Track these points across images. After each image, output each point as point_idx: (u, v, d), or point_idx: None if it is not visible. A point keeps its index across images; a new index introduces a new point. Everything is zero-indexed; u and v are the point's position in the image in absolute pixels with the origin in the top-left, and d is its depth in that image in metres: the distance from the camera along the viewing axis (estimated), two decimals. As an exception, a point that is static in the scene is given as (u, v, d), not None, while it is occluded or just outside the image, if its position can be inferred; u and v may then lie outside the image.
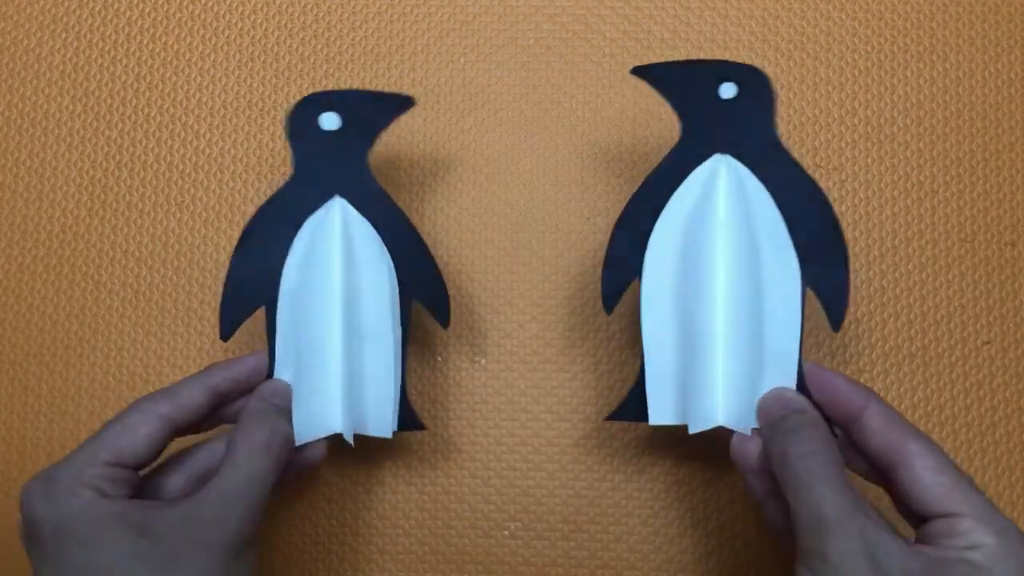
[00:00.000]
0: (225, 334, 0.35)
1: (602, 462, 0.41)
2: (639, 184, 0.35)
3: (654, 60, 0.44)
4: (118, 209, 0.43)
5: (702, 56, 0.44)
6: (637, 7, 0.45)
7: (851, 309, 0.42)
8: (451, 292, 0.42)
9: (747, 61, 0.44)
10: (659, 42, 0.44)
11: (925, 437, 0.30)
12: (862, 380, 0.41)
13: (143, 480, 0.32)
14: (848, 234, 0.42)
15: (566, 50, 0.45)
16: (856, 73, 0.44)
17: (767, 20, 0.45)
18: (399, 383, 0.35)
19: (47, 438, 0.41)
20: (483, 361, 0.42)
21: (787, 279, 0.34)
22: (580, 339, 0.42)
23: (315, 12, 0.45)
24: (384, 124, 0.36)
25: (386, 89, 0.44)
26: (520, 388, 0.41)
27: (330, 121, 0.35)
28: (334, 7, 0.45)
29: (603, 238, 0.42)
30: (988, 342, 0.42)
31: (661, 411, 0.35)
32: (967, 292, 0.42)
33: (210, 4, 0.45)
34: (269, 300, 0.35)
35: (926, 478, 0.29)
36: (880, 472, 0.31)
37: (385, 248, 0.35)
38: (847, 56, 0.44)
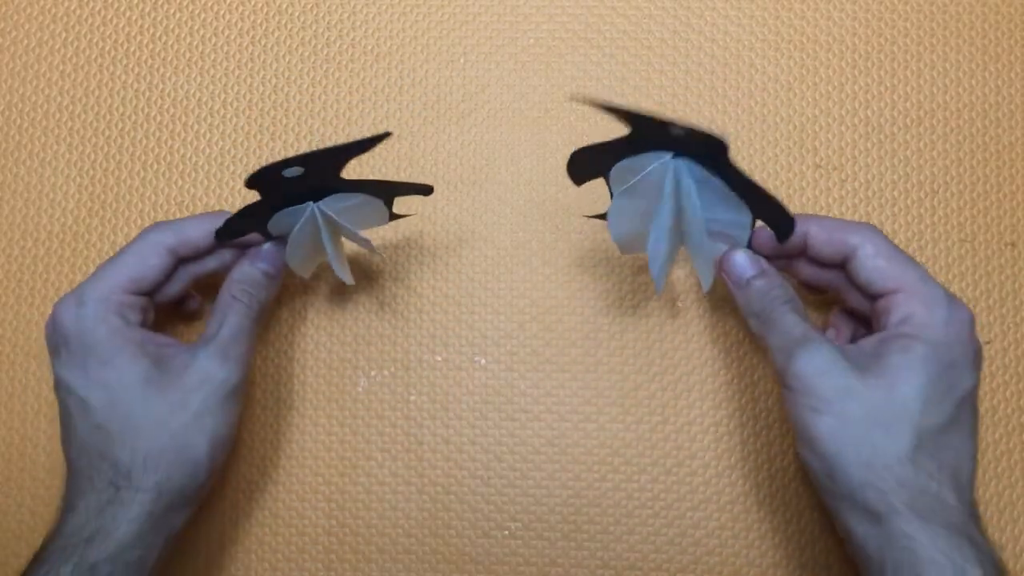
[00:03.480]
0: (220, 236, 0.36)
1: (602, 462, 0.41)
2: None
3: (654, 60, 0.44)
4: (118, 209, 0.43)
5: (703, 57, 0.44)
6: (637, 7, 0.45)
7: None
8: (452, 292, 0.42)
9: (747, 61, 0.44)
10: (659, 42, 0.44)
11: (872, 229, 0.34)
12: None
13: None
14: (848, 234, 0.42)
15: (566, 50, 0.45)
16: (856, 73, 0.44)
17: (767, 20, 0.45)
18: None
19: (47, 438, 0.41)
20: (483, 361, 0.42)
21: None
22: (580, 339, 0.42)
23: (315, 12, 0.45)
24: (349, 159, 0.34)
25: (381, 89, 0.44)
26: (520, 388, 0.41)
27: (293, 172, 0.33)
28: (334, 7, 0.45)
29: (604, 236, 0.42)
30: (988, 342, 0.42)
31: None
32: (967, 292, 0.42)
33: (210, 4, 0.45)
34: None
35: (868, 262, 0.33)
36: (829, 267, 0.35)
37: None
38: (847, 56, 0.44)
